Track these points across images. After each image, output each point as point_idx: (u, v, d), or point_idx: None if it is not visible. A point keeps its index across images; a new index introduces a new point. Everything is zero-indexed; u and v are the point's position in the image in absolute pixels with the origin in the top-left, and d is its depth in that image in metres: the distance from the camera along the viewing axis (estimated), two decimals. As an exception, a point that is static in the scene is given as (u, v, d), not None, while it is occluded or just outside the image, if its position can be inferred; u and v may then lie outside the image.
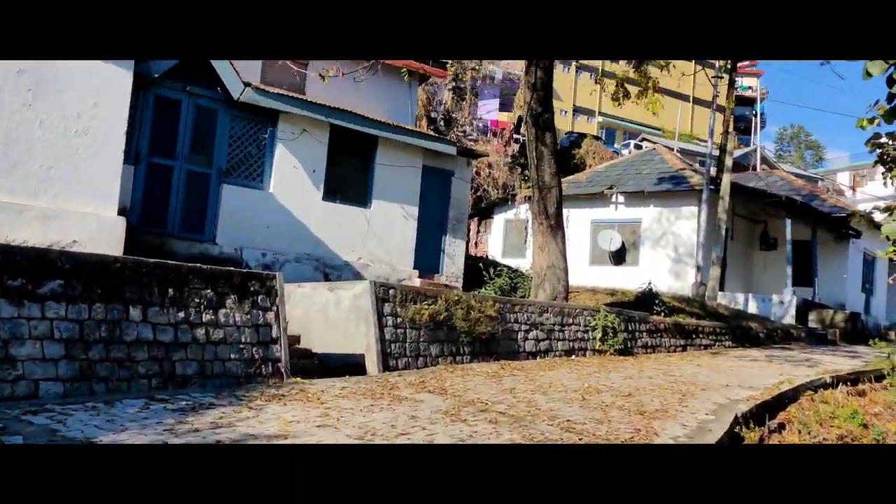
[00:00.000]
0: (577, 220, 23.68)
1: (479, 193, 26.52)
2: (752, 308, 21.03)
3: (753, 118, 56.54)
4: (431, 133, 16.94)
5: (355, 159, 14.73)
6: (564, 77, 54.15)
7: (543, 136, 12.58)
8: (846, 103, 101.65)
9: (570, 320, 12.22)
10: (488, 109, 31.71)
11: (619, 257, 23.18)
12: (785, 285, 21.27)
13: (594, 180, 24.60)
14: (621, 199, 23.33)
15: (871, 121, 6.51)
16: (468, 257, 19.45)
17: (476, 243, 27.25)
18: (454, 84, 28.22)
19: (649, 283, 15.48)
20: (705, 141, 56.01)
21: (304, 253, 13.60)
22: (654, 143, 39.05)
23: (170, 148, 12.44)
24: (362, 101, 15.78)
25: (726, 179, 19.40)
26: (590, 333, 12.48)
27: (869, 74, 4.94)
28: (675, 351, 14.51)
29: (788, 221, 20.87)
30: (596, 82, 54.94)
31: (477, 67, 28.24)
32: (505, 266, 17.27)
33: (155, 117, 12.28)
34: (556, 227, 13.32)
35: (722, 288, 20.67)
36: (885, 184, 10.35)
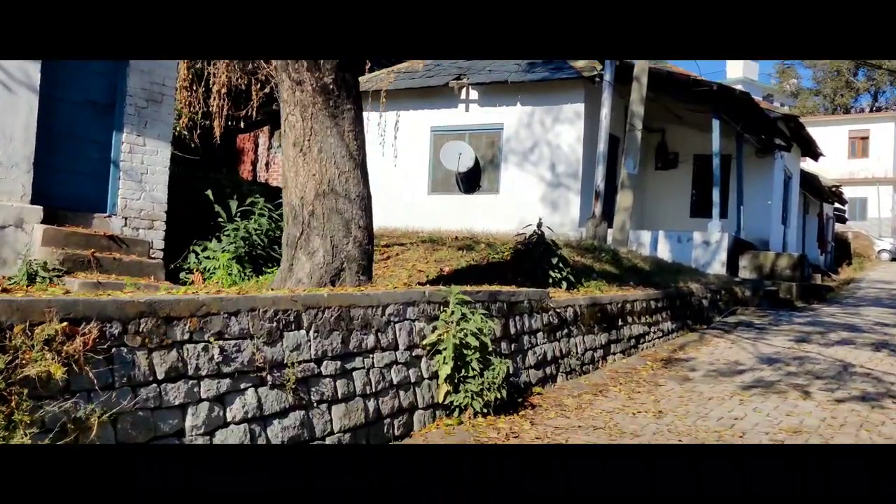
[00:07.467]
0: (410, 126, 15.94)
1: (271, 86, 17.48)
2: (663, 252, 14.33)
3: None
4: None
5: None
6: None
7: None
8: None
9: (364, 342, 4.52)
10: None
11: (471, 181, 15.74)
12: (710, 218, 14.65)
13: (434, 69, 16.83)
14: (474, 94, 15.77)
15: None
16: (239, 183, 10.99)
17: (267, 164, 18.80)
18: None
19: (538, 226, 7.98)
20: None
21: None
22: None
23: None
24: None
25: (643, 51, 12.31)
26: (421, 369, 4.92)
27: None
28: (596, 368, 7.24)
29: (717, 123, 14.14)
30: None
31: None
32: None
33: None
34: (338, 95, 5.50)
35: (611, 224, 13.79)
36: None
